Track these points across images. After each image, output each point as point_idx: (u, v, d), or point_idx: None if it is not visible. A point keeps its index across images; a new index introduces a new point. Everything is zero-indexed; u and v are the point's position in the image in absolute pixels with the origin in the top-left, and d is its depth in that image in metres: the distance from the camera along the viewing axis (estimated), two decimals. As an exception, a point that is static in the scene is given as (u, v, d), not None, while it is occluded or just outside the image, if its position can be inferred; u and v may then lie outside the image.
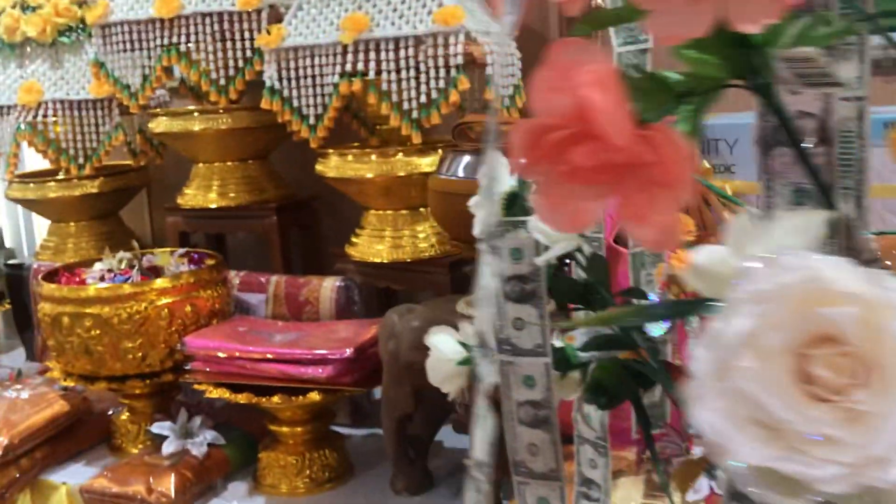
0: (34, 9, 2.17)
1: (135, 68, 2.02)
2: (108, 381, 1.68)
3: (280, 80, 1.82)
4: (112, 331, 1.62)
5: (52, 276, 1.81)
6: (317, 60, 1.76)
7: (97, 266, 1.86)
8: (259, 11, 1.88)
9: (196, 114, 2.03)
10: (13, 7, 2.19)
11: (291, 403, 1.49)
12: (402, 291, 1.98)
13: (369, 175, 1.80)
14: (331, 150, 1.86)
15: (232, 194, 2.09)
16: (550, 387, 0.64)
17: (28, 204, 2.36)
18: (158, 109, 2.13)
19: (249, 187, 2.10)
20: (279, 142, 2.10)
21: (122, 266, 1.81)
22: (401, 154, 1.78)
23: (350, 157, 1.83)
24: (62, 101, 2.18)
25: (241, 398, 1.50)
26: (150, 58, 1.97)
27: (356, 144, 1.97)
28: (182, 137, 2.06)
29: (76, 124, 2.20)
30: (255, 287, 1.92)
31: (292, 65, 1.81)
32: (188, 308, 1.69)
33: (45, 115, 2.18)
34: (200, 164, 2.14)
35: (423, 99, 1.69)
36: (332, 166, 1.85)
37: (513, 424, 0.66)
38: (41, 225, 2.73)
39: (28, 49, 2.22)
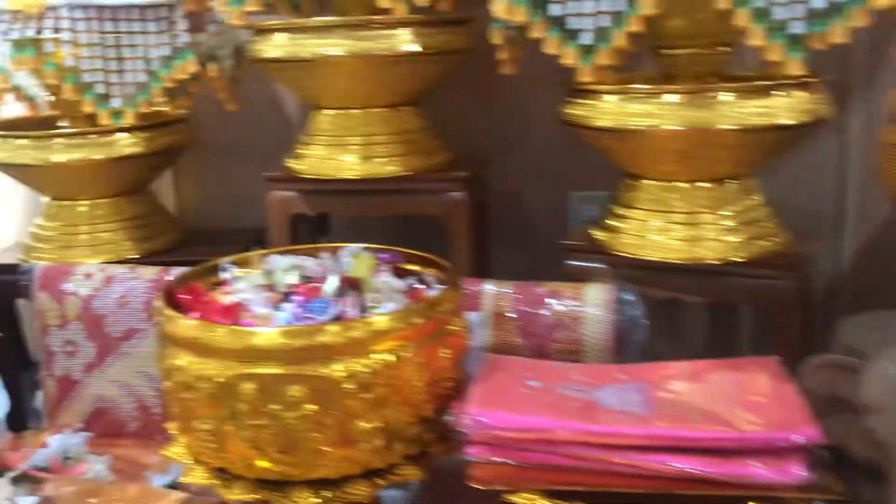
0: None
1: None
2: (312, 487, 0.94)
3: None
4: (338, 403, 0.89)
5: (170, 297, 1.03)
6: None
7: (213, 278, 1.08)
8: None
9: (341, 28, 1.28)
10: None
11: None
12: (692, 305, 1.34)
13: (669, 125, 1.14)
14: (602, 86, 1.18)
15: (382, 159, 1.36)
16: None
17: (15, 171, 1.49)
18: (274, 23, 1.35)
19: (410, 148, 1.38)
20: (442, 78, 1.39)
21: (283, 281, 1.04)
22: (715, 95, 1.13)
23: (636, 99, 1.16)
24: (85, 6, 1.35)
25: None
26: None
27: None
28: (309, 67, 1.30)
29: (111, 45, 1.38)
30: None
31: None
32: (443, 353, 0.98)
33: (56, 30, 1.35)
34: (327, 112, 1.39)
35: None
36: (603, 112, 1.18)
37: None
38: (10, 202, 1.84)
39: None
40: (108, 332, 1.36)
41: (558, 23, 1.12)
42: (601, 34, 1.11)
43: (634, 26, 1.08)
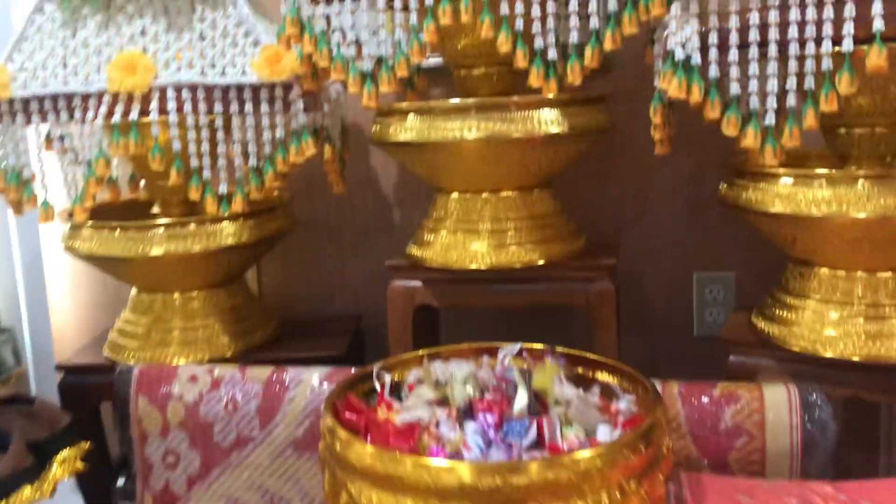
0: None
1: (385, 31, 1.14)
2: None
3: (703, 47, 1.03)
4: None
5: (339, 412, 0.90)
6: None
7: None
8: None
9: (477, 110, 1.18)
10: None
11: None
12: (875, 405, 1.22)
13: (854, 213, 1.04)
14: (778, 169, 1.08)
15: (515, 246, 1.25)
16: None
17: (104, 263, 1.37)
18: (404, 104, 1.25)
19: (545, 233, 1.26)
20: (579, 158, 1.29)
21: (462, 394, 0.92)
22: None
23: (817, 184, 1.06)
24: (193, 86, 1.25)
25: None
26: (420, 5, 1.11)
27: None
28: (439, 149, 1.20)
29: (220, 127, 1.28)
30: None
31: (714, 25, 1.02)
32: (659, 482, 0.85)
33: (161, 111, 1.24)
34: (455, 195, 1.28)
35: None
36: (778, 196, 1.07)
37: None
38: (61, 286, 1.71)
39: (124, -5, 1.28)
40: (215, 442, 1.23)
41: (736, 102, 1.03)
42: (786, 114, 1.01)
43: (827, 105, 0.99)
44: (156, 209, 1.45)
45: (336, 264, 1.66)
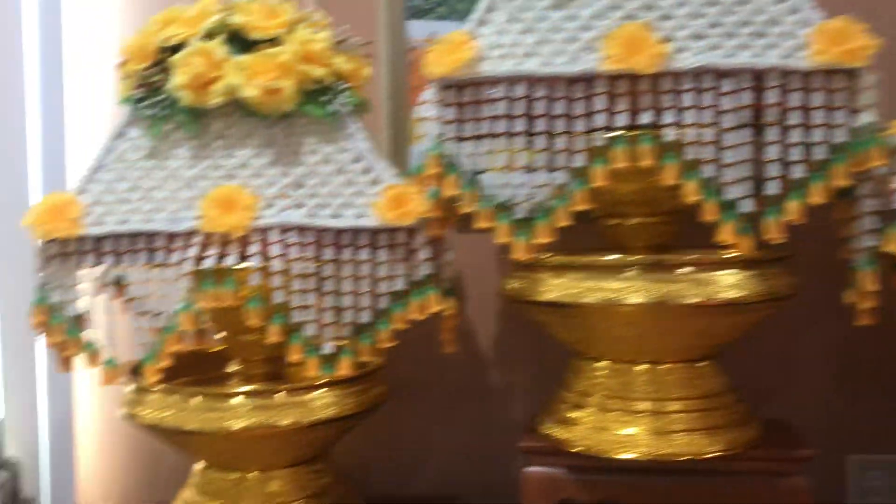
0: (259, 43, 1.07)
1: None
2: None
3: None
4: None
5: None
6: None
7: None
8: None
9: (640, 268, 1.00)
10: (212, 33, 1.08)
11: None
12: None
13: None
14: None
15: (680, 432, 1.03)
16: None
17: (174, 435, 1.12)
18: (550, 257, 1.07)
19: (716, 417, 1.05)
20: (755, 328, 1.10)
21: None
22: None
23: None
24: (302, 228, 1.06)
25: None
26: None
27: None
28: (589, 312, 1.00)
29: (328, 276, 1.07)
30: None
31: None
32: None
33: (265, 256, 1.04)
34: (603, 366, 1.08)
35: None
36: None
37: None
38: (90, 450, 1.45)
39: (226, 122, 1.09)
40: None
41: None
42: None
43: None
44: (232, 367, 1.23)
45: (420, 432, 1.43)
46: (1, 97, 1.41)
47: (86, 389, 1.47)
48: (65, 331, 1.09)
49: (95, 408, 1.48)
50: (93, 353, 1.10)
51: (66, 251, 1.09)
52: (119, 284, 1.20)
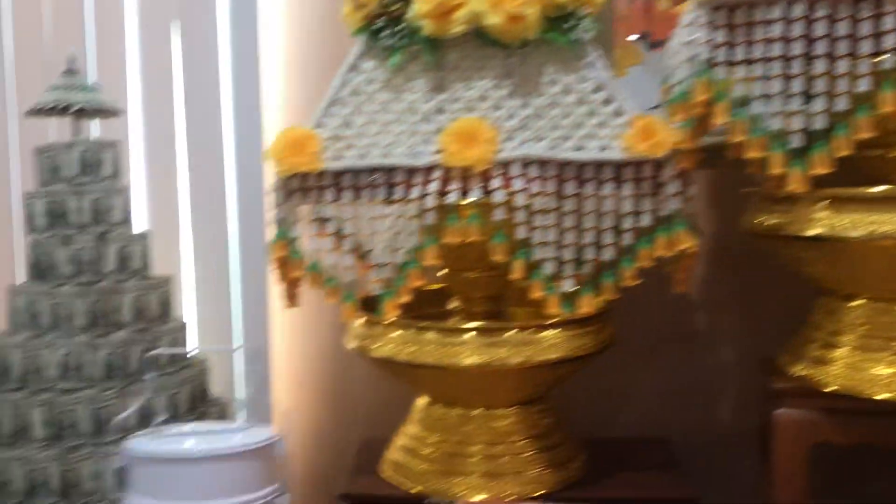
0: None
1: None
2: None
3: None
4: None
5: None
6: None
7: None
8: None
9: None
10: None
11: None
12: None
13: None
14: None
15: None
16: None
17: (404, 370, 1.12)
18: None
19: None
20: None
21: None
22: None
23: None
24: (544, 161, 1.02)
25: None
26: None
27: None
28: (851, 247, 0.95)
29: (569, 211, 1.04)
30: None
31: None
32: None
33: (509, 192, 1.01)
34: (859, 304, 1.03)
35: None
36: None
37: None
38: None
39: (461, 53, 1.06)
40: None
41: None
42: None
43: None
44: (452, 305, 1.21)
45: (623, 374, 1.40)
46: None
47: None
48: (304, 266, 1.09)
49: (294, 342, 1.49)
50: (333, 288, 1.09)
51: (305, 186, 1.08)
52: (324, 220, 1.19)
